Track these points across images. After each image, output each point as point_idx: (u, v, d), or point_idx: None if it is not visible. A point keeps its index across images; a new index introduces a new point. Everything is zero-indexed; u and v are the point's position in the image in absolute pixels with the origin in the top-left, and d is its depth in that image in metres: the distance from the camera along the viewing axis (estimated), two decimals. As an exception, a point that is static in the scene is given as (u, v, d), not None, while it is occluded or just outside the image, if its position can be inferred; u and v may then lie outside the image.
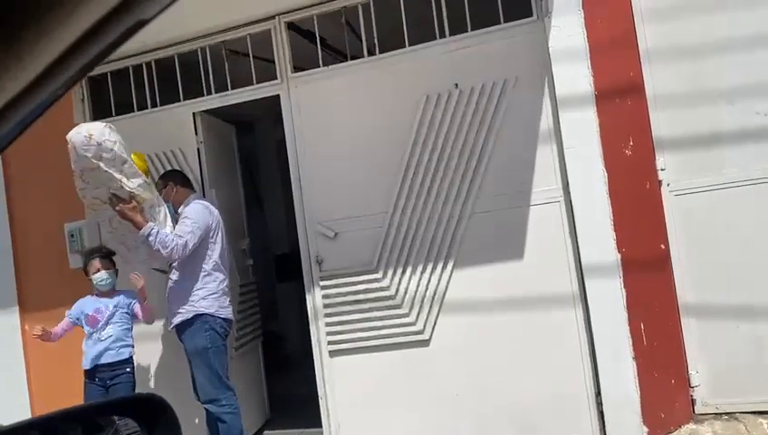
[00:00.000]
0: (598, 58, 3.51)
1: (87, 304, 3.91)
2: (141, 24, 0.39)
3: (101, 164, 3.47)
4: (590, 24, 3.52)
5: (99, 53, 0.39)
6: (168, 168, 4.34)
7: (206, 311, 3.74)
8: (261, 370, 4.95)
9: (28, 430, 1.17)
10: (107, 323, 3.85)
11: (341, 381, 4.05)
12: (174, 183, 3.97)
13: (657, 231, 3.51)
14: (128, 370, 3.86)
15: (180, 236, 3.67)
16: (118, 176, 3.51)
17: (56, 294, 4.48)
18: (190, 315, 3.73)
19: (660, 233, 3.52)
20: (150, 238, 3.59)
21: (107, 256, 3.94)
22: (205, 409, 3.78)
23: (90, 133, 3.44)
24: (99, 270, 3.87)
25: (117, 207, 3.59)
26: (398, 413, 3.91)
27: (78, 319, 3.89)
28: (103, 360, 3.79)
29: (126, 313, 3.92)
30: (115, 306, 3.88)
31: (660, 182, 3.54)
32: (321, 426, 4.10)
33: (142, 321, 3.96)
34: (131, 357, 3.88)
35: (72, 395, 4.01)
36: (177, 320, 3.77)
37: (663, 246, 3.50)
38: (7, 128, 0.42)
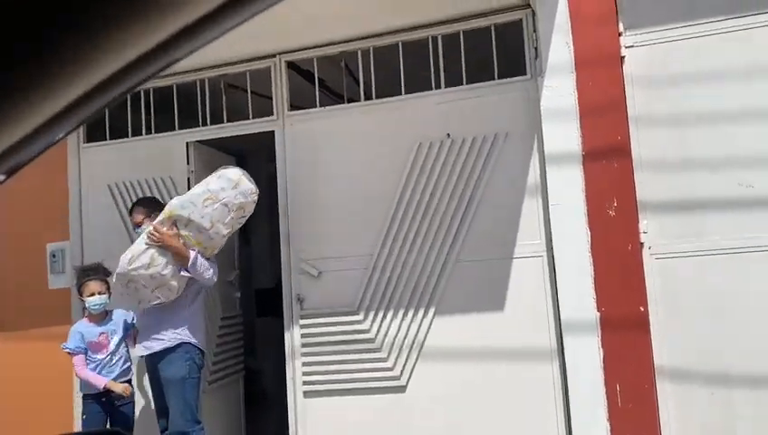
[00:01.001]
0: (587, 119, 3.60)
1: (87, 332, 3.75)
2: (169, 66, 0.41)
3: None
4: (581, 86, 3.61)
5: (127, 89, 0.41)
6: (157, 194, 4.35)
7: (190, 340, 3.69)
8: (241, 405, 4.86)
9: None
10: (117, 348, 3.77)
11: (314, 423, 4.00)
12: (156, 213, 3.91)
13: (636, 293, 3.54)
14: (132, 391, 3.83)
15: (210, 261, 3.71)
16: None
17: (33, 314, 4.43)
18: (174, 343, 3.65)
19: (640, 295, 3.54)
20: (199, 261, 3.60)
21: (104, 278, 3.76)
22: None
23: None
24: (94, 293, 3.71)
25: (156, 237, 3.51)
26: (368, 459, 3.85)
27: (81, 348, 3.73)
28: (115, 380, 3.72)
29: (126, 331, 3.84)
30: (114, 330, 3.78)
31: (642, 244, 3.59)
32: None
33: (133, 345, 3.88)
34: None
35: (40, 415, 3.95)
36: (158, 346, 3.67)
37: (642, 308, 3.53)
38: (19, 157, 0.44)
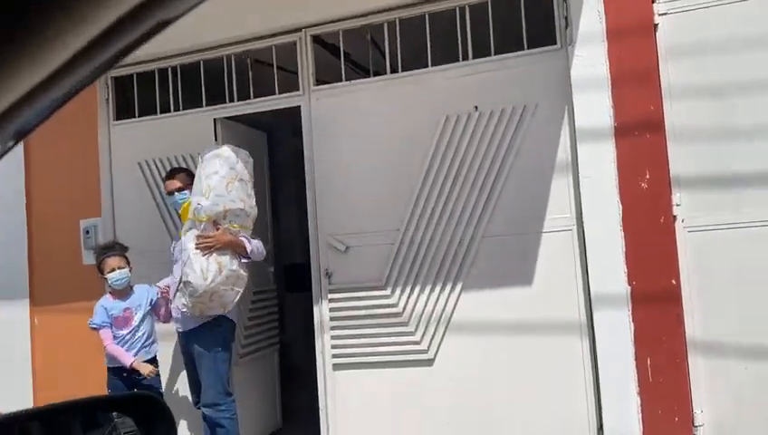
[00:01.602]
0: (619, 90, 3.52)
1: (112, 307, 3.79)
2: (163, 24, 0.39)
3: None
4: (613, 55, 3.53)
5: (118, 52, 0.40)
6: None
7: (224, 313, 3.73)
8: (276, 378, 4.93)
9: (28, 420, 1.18)
10: (140, 323, 3.80)
11: (343, 395, 4.04)
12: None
13: (669, 266, 3.49)
14: (156, 365, 3.87)
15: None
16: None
17: (67, 289, 4.53)
18: (207, 318, 3.69)
19: (672, 268, 3.49)
20: (253, 243, 3.72)
21: (122, 253, 3.82)
22: (202, 413, 3.79)
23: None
24: (114, 269, 3.76)
25: (209, 243, 3.54)
26: (397, 432, 3.89)
27: (107, 323, 3.77)
28: (139, 358, 3.76)
29: (150, 306, 3.87)
30: (139, 306, 3.82)
31: (675, 217, 3.52)
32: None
33: (161, 320, 3.94)
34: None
35: (75, 387, 4.04)
36: (192, 323, 3.72)
37: (674, 282, 3.47)
38: (25, 118, 0.43)
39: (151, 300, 3.87)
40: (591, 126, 3.53)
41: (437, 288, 3.85)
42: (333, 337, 4.05)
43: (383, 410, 3.93)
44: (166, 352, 4.36)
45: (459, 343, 3.81)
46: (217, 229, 3.59)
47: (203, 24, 3.94)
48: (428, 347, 3.86)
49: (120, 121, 4.66)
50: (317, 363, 4.10)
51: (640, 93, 3.53)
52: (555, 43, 3.71)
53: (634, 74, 3.52)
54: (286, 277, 6.38)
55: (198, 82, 4.44)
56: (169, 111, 4.54)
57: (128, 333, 3.77)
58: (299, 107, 4.20)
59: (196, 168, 4.37)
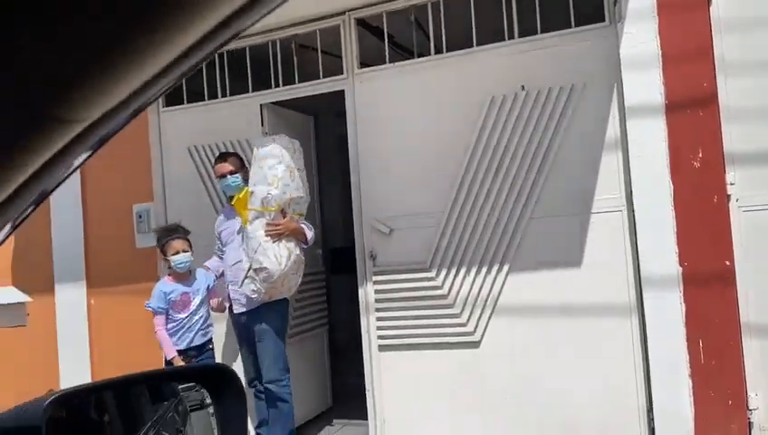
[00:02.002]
0: (670, 67, 3.43)
1: (171, 291, 3.80)
2: (237, 35, 0.42)
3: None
4: (664, 31, 3.44)
5: (197, 62, 0.43)
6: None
7: (285, 294, 3.87)
8: (326, 358, 5.01)
9: (102, 389, 1.24)
10: (198, 307, 3.83)
11: (389, 376, 4.09)
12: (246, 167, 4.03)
13: (722, 247, 3.41)
14: (211, 347, 3.94)
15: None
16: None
17: (122, 271, 4.68)
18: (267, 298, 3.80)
19: (726, 249, 3.41)
20: (312, 231, 3.87)
21: (185, 237, 3.84)
22: (260, 391, 3.89)
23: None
24: (178, 252, 3.77)
25: (279, 230, 3.68)
26: (443, 412, 3.92)
27: (163, 307, 3.78)
28: (195, 343, 3.81)
29: (206, 291, 3.90)
30: (197, 290, 3.84)
31: (729, 197, 3.43)
32: (366, 419, 4.15)
33: (214, 307, 3.99)
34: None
35: (131, 367, 4.17)
36: (254, 303, 3.82)
37: (728, 263, 3.39)
38: (113, 125, 0.46)
39: (208, 285, 3.92)
40: (642, 104, 3.46)
41: (483, 270, 3.85)
42: (379, 319, 4.09)
43: (429, 391, 3.96)
44: (218, 333, 4.47)
45: (506, 324, 3.80)
46: (283, 217, 3.73)
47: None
48: (475, 329, 3.87)
49: (169, 108, 4.76)
50: (363, 345, 4.15)
51: (693, 70, 3.43)
52: (604, 20, 3.63)
53: (686, 50, 3.43)
54: (332, 260, 6.45)
55: (245, 68, 4.49)
56: (217, 98, 4.62)
57: (185, 317, 3.82)
58: (343, 91, 4.22)
59: (243, 153, 4.46)
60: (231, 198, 3.98)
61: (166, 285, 3.85)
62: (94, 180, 4.85)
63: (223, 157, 4.04)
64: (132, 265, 4.66)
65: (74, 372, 4.74)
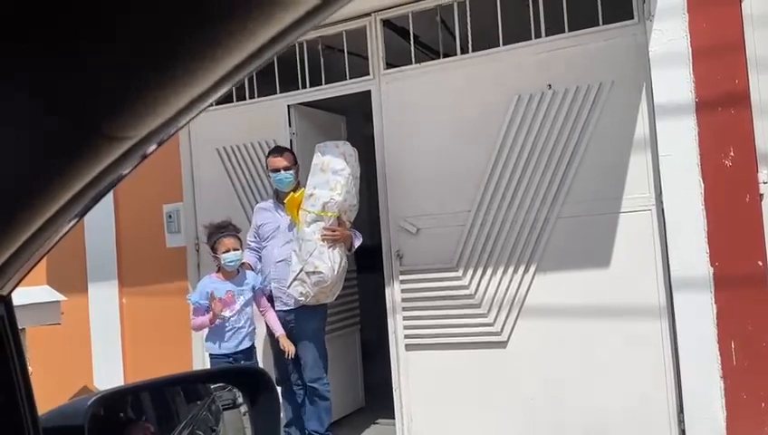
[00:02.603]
0: (701, 64, 3.38)
1: (214, 287, 3.70)
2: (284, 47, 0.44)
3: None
4: (694, 28, 3.39)
5: (241, 78, 0.45)
6: (263, 157, 4.52)
7: (329, 299, 3.94)
8: (358, 357, 5.02)
9: (139, 391, 1.28)
10: (243, 308, 3.74)
11: (416, 375, 4.10)
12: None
13: (754, 247, 3.35)
14: (255, 351, 3.91)
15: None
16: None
17: (153, 270, 4.77)
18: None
19: (758, 249, 3.35)
20: (358, 240, 3.94)
21: (236, 234, 3.77)
22: (287, 390, 3.93)
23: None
24: (229, 250, 3.69)
25: (336, 236, 3.77)
26: (470, 412, 3.92)
27: (204, 303, 3.69)
28: (242, 346, 3.73)
29: (251, 293, 3.82)
30: (242, 290, 3.76)
31: (762, 196, 3.37)
32: (393, 417, 4.17)
33: (260, 308, 3.92)
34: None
35: (162, 364, 4.24)
36: (297, 303, 3.85)
37: (761, 263, 3.34)
38: (165, 133, 0.48)
39: (253, 287, 3.86)
40: (671, 102, 3.42)
41: (510, 270, 3.84)
42: (405, 318, 4.10)
43: (456, 391, 3.96)
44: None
45: (534, 325, 3.79)
46: (339, 224, 3.80)
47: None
48: (501, 329, 3.86)
49: (197, 110, 4.82)
50: (390, 344, 4.17)
51: (724, 67, 3.38)
52: (632, 18, 3.59)
53: (717, 47, 3.37)
54: (357, 259, 6.47)
55: (272, 70, 4.54)
56: (245, 99, 4.67)
57: (233, 316, 3.70)
58: (369, 91, 4.24)
59: (269, 153, 4.49)
60: (277, 192, 4.01)
61: (212, 280, 3.78)
62: (126, 181, 4.91)
63: (279, 151, 4.02)
64: (163, 265, 4.74)
65: (107, 369, 4.84)
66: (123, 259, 4.95)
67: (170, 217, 4.76)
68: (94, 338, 5.00)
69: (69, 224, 0.54)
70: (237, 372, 1.19)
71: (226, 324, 3.72)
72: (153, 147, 0.48)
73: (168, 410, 1.40)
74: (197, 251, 4.73)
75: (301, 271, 3.73)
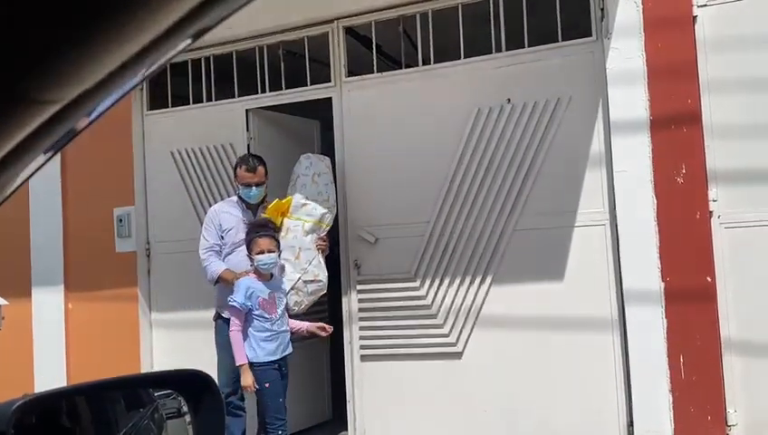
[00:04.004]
0: (656, 83, 3.47)
1: (257, 288, 3.42)
2: (204, 31, 0.41)
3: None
4: (650, 48, 3.48)
5: (163, 60, 0.41)
6: (218, 162, 4.44)
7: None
8: (325, 368, 4.81)
9: (74, 395, 1.21)
10: (283, 313, 3.49)
11: (371, 386, 4.05)
12: None
13: (704, 263, 3.43)
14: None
15: None
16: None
17: (101, 276, 4.61)
18: None
19: (707, 265, 3.43)
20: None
21: (273, 235, 3.50)
22: (236, 407, 3.84)
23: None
24: (263, 251, 3.39)
25: (326, 242, 3.84)
26: (425, 424, 3.89)
27: (249, 304, 3.40)
28: (288, 350, 3.49)
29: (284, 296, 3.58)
30: (281, 297, 3.49)
31: (711, 213, 3.46)
32: (346, 429, 4.11)
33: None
34: None
35: (110, 373, 4.07)
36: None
37: (709, 279, 3.42)
38: (69, 125, 0.44)
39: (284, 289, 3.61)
40: (627, 119, 3.49)
41: (467, 281, 3.84)
42: (362, 328, 4.06)
43: (411, 401, 3.93)
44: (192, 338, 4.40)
45: (489, 336, 3.79)
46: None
47: (236, 15, 3.96)
48: (457, 340, 3.85)
49: (153, 111, 4.72)
50: (345, 354, 4.11)
51: (678, 87, 3.47)
52: (591, 35, 3.66)
53: (671, 67, 3.46)
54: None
55: (231, 73, 4.47)
56: (202, 102, 4.59)
57: (278, 320, 3.43)
58: (330, 99, 4.21)
59: (227, 158, 4.41)
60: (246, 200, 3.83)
61: (253, 281, 3.44)
62: (75, 182, 4.78)
63: (251, 166, 3.75)
64: (112, 270, 4.59)
65: (51, 378, 4.64)
66: (70, 263, 4.77)
67: (121, 221, 4.62)
68: (37, 345, 4.80)
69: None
70: (178, 376, 1.14)
71: (266, 330, 3.41)
72: (91, 113, 0.45)
73: (107, 417, 1.33)
74: (148, 256, 4.60)
75: (299, 280, 3.68)
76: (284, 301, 3.54)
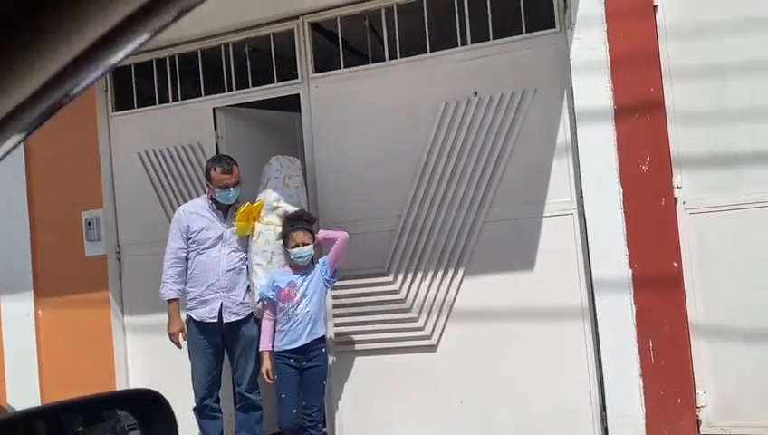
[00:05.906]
0: (619, 72, 3.50)
1: (279, 278, 3.59)
2: (182, 13, 0.39)
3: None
4: (612, 38, 3.51)
5: (132, 46, 0.40)
6: (186, 161, 4.39)
7: None
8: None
9: (33, 418, 1.19)
10: (302, 299, 3.55)
11: (346, 381, 4.06)
12: None
13: (670, 249, 3.49)
14: (323, 350, 3.66)
15: None
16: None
17: (71, 280, 4.55)
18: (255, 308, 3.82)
19: (674, 251, 3.49)
20: None
21: (309, 227, 3.60)
22: (213, 409, 3.85)
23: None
24: (298, 244, 3.52)
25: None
26: (400, 417, 3.92)
27: (271, 295, 3.58)
28: (300, 342, 3.54)
29: (325, 281, 3.64)
30: (310, 279, 3.58)
31: (676, 200, 3.52)
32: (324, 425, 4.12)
33: (339, 247, 3.63)
34: (325, 335, 3.72)
35: (82, 379, 4.05)
36: (246, 312, 3.82)
37: (676, 265, 3.47)
38: (33, 115, 0.43)
39: (325, 271, 3.66)
40: (591, 109, 3.52)
41: (440, 274, 3.86)
42: (337, 324, 4.06)
43: (387, 394, 3.95)
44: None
45: (462, 328, 3.82)
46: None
47: (200, 13, 3.91)
48: (431, 333, 3.88)
49: (119, 112, 4.65)
50: (321, 350, 4.11)
51: (640, 75, 3.51)
52: (554, 27, 3.68)
53: (634, 56, 3.50)
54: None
55: (197, 72, 4.42)
56: (168, 102, 4.53)
57: (289, 309, 3.56)
58: (298, 95, 4.18)
59: (195, 158, 4.37)
60: (217, 201, 3.82)
61: (280, 272, 3.64)
62: (41, 187, 4.70)
63: (226, 167, 3.74)
64: (82, 274, 4.53)
65: (23, 387, 4.58)
66: (39, 269, 4.70)
67: (90, 224, 4.55)
68: (7, 353, 4.73)
69: None
70: (130, 396, 1.12)
71: (284, 318, 3.56)
72: (16, 135, 0.43)
73: (71, 432, 1.32)
74: (119, 259, 4.55)
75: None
76: (311, 290, 3.61)
